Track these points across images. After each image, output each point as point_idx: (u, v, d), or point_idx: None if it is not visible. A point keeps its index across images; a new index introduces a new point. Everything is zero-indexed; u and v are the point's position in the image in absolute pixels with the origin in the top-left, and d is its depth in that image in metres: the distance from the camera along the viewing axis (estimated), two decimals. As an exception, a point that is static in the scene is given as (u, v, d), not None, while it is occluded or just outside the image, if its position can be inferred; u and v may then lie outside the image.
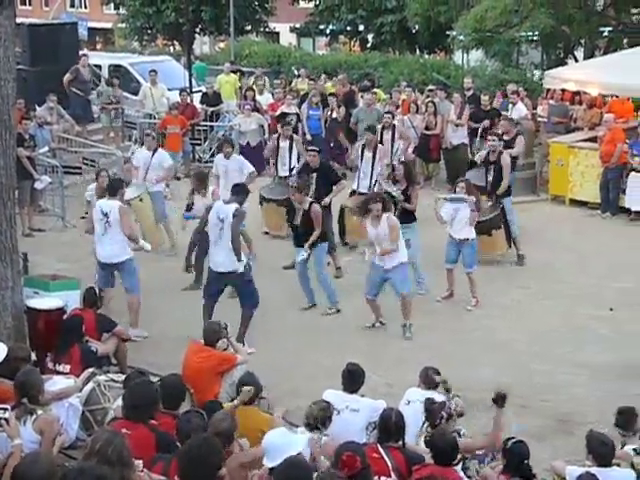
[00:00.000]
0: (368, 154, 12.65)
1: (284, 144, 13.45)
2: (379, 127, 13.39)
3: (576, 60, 22.86)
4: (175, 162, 16.78)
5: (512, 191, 12.29)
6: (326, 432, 6.38)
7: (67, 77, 18.06)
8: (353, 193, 12.71)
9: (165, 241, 12.76)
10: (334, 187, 11.77)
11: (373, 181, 12.37)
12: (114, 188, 10.07)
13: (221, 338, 8.03)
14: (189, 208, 11.26)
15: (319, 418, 6.29)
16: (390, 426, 6.19)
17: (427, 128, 16.28)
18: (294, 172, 12.83)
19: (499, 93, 18.45)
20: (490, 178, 11.86)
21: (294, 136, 13.84)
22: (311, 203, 10.49)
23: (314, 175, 11.60)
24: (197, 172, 11.86)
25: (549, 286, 11.53)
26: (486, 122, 15.59)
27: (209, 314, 9.58)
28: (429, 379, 7.19)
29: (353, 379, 7.04)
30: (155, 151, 12.90)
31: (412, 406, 6.95)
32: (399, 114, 16.70)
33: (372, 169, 12.51)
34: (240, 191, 9.73)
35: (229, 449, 5.84)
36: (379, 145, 12.95)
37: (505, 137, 13.05)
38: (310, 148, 12.44)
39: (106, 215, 9.80)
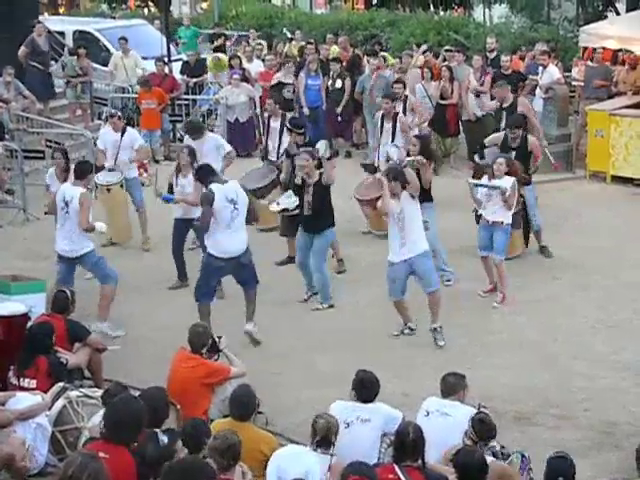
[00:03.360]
0: (387, 125, 12.75)
1: (275, 124, 13.30)
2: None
3: (617, 13, 22.82)
4: (154, 141, 16.98)
5: (532, 179, 12.07)
6: (333, 451, 6.44)
7: (22, 50, 18.04)
8: (374, 170, 12.71)
9: (137, 235, 12.83)
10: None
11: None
12: (82, 171, 10.13)
13: (207, 344, 8.07)
14: (171, 190, 11.29)
15: (335, 430, 6.39)
16: (407, 443, 6.20)
17: (442, 97, 16.24)
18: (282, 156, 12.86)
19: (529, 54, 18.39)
20: None
21: (287, 115, 13.73)
22: (321, 174, 10.58)
23: None
24: (189, 147, 11.81)
25: (586, 277, 11.54)
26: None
27: (208, 316, 9.64)
28: (448, 386, 7.21)
29: (365, 388, 7.07)
30: (124, 131, 12.91)
31: (432, 418, 6.98)
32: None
33: (392, 142, 12.57)
34: (205, 174, 9.82)
35: (227, 475, 5.84)
36: (399, 115, 12.97)
37: (504, 104, 13.00)
38: (290, 127, 12.19)
39: (67, 204, 9.95)
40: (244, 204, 9.64)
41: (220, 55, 19.82)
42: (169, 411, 6.76)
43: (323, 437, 6.40)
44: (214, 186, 9.64)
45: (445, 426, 6.88)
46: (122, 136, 12.78)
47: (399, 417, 6.85)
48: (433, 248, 10.76)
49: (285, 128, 13.01)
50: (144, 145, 13.36)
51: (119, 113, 13.77)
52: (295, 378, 9.15)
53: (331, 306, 10.82)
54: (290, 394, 8.76)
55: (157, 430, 6.30)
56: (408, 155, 11.15)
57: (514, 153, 11.67)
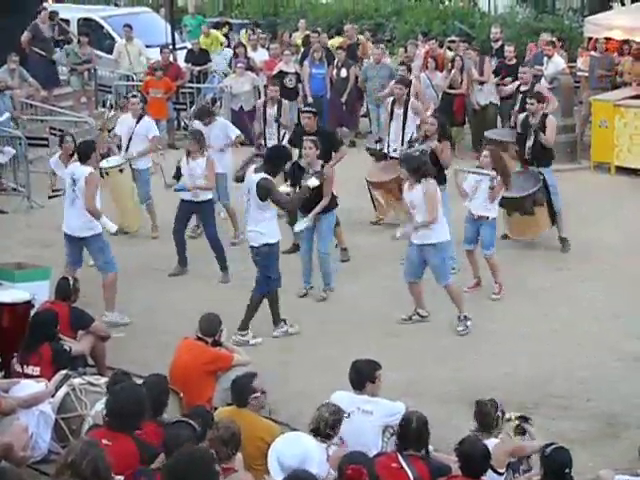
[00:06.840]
0: (398, 111, 12.64)
1: (271, 110, 13.27)
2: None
3: (622, 4, 22.71)
4: (160, 130, 16.93)
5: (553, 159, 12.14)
6: (335, 440, 6.42)
7: (25, 36, 18.01)
8: (384, 157, 12.69)
9: (146, 222, 12.77)
10: (334, 154, 11.67)
11: (405, 143, 12.30)
12: (85, 153, 10.02)
13: (217, 332, 8.06)
14: (177, 174, 11.26)
15: (329, 422, 6.35)
16: (410, 432, 6.21)
17: (451, 87, 16.22)
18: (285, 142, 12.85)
19: (531, 45, 18.38)
20: (530, 144, 11.74)
21: (283, 101, 13.70)
22: (323, 165, 10.51)
23: None
24: (194, 131, 11.78)
25: (590, 267, 11.50)
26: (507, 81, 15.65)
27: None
28: None
29: (353, 375, 7.05)
30: (140, 118, 12.81)
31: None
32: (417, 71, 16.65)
33: (403, 129, 12.51)
34: (272, 157, 9.78)
35: (229, 464, 5.84)
36: (411, 100, 12.92)
37: (522, 87, 13.08)
38: (305, 109, 12.32)
39: (74, 182, 9.87)
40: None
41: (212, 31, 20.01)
42: (168, 398, 6.75)
43: (314, 428, 6.38)
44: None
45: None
46: (137, 123, 12.68)
47: (401, 410, 6.80)
48: None
49: (283, 114, 13.03)
50: (158, 136, 13.25)
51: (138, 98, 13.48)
52: (299, 368, 9.13)
53: (331, 290, 10.77)
54: (294, 384, 8.74)
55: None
56: (424, 137, 11.11)
57: (532, 133, 11.69)
